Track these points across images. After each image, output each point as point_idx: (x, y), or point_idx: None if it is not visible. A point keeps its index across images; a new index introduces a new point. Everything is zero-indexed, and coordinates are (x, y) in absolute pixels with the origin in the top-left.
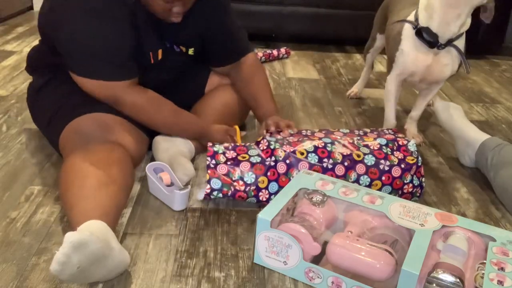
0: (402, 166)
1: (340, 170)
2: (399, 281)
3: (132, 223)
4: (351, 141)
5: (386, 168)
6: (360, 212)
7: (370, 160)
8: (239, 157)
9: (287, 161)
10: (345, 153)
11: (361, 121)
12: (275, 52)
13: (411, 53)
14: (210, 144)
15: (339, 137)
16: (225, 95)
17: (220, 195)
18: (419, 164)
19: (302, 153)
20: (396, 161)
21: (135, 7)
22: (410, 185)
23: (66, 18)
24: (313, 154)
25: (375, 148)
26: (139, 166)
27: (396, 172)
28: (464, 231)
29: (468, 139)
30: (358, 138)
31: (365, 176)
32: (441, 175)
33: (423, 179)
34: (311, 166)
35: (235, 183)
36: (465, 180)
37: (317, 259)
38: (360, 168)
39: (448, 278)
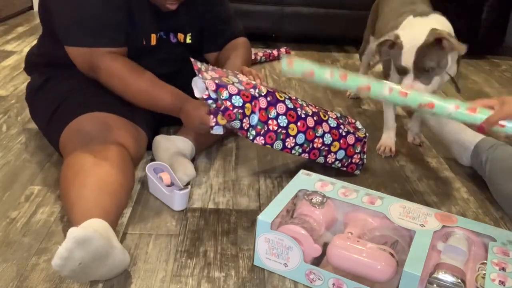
0: (356, 136)
1: (310, 122)
2: (401, 282)
3: (132, 223)
4: (315, 107)
5: (343, 133)
6: (360, 213)
7: (332, 122)
8: (224, 80)
9: (268, 98)
10: (314, 110)
11: (361, 121)
12: (275, 52)
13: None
14: (193, 60)
15: (304, 103)
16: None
17: (214, 105)
18: (365, 140)
19: (281, 96)
20: (351, 130)
21: None
22: (359, 156)
23: None
24: (289, 101)
25: (333, 116)
26: (139, 166)
27: (350, 139)
28: (464, 231)
29: (462, 142)
30: (319, 108)
31: (328, 135)
32: (441, 175)
33: (365, 156)
34: (288, 110)
35: (269, 122)
36: (465, 180)
37: (317, 261)
38: (325, 126)
39: (449, 278)
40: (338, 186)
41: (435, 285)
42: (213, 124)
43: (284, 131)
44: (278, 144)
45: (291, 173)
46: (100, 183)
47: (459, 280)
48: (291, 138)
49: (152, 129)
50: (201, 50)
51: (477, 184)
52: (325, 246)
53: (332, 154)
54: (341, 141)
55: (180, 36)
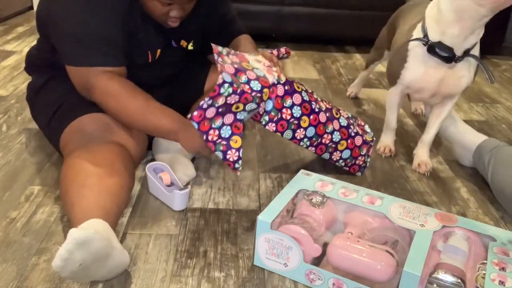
0: (364, 139)
1: (323, 117)
2: (401, 282)
3: (132, 223)
4: (329, 104)
5: (352, 134)
6: (360, 213)
7: (343, 121)
8: (243, 65)
9: (286, 87)
10: (328, 107)
11: (361, 120)
12: (275, 52)
13: (418, 70)
14: (214, 45)
15: (319, 98)
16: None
17: (230, 89)
18: (372, 144)
19: (298, 87)
20: (360, 131)
21: (131, 6)
22: (363, 158)
23: (56, 7)
24: (305, 93)
25: (345, 116)
26: (139, 166)
27: (358, 141)
28: (464, 231)
29: (464, 142)
30: (332, 105)
31: (338, 133)
32: (441, 175)
33: (369, 159)
34: (303, 102)
35: (283, 110)
36: (465, 180)
37: (317, 261)
38: (336, 124)
39: (449, 278)
40: (338, 186)
41: (435, 285)
42: (221, 81)
43: (296, 122)
44: (288, 134)
45: (291, 173)
46: (101, 183)
47: (459, 280)
48: (302, 129)
49: None
50: (203, 53)
51: (477, 184)
52: (325, 246)
53: (338, 152)
54: (349, 141)
55: (183, 43)
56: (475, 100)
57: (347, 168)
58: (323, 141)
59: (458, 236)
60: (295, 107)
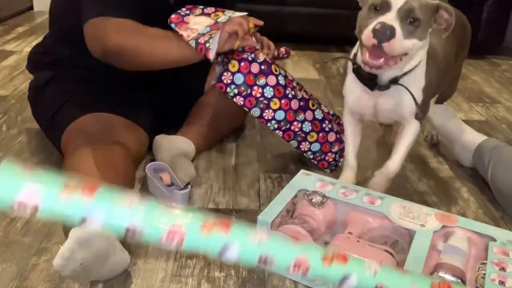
0: (338, 136)
1: (295, 104)
2: None
3: None
4: (308, 96)
5: (326, 129)
6: (360, 213)
7: (319, 114)
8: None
9: (262, 66)
10: (305, 96)
11: None
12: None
13: (354, 90)
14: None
15: (298, 87)
16: (224, 96)
17: (236, 91)
18: None
19: (276, 70)
20: (336, 129)
21: None
22: (333, 156)
23: None
24: (282, 78)
25: (325, 110)
26: (139, 166)
27: (331, 137)
28: (464, 231)
29: (464, 142)
30: (313, 98)
31: (309, 124)
32: (441, 175)
33: (342, 160)
34: (277, 85)
35: (255, 87)
36: (465, 180)
37: None
38: (309, 115)
39: (449, 278)
40: (338, 186)
41: None
42: (229, 81)
43: (266, 102)
44: (256, 111)
45: (291, 173)
46: (101, 183)
47: (459, 280)
48: (271, 111)
49: (154, 130)
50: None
51: (477, 184)
52: (325, 246)
53: (307, 143)
54: (320, 135)
55: None
56: (475, 100)
57: (316, 162)
58: (292, 128)
59: (458, 236)
60: (267, 87)
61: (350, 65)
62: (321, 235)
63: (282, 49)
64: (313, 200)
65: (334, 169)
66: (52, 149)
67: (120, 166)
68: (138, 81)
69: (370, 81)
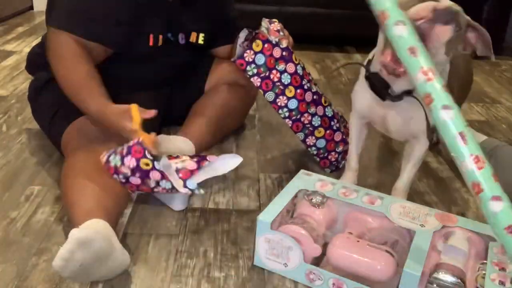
0: (344, 137)
1: (309, 96)
2: (401, 282)
3: (132, 223)
4: (320, 93)
5: (334, 127)
6: (360, 213)
7: (329, 112)
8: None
9: (284, 53)
10: (319, 92)
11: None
12: None
13: (364, 98)
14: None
15: (314, 81)
16: (225, 94)
17: (255, 70)
18: None
19: (296, 59)
20: (342, 130)
21: None
22: (336, 156)
23: None
24: (301, 68)
25: (335, 111)
26: None
27: (337, 136)
28: (464, 231)
29: None
30: (325, 96)
31: (318, 118)
32: (441, 175)
33: (343, 162)
34: (295, 74)
35: (274, 71)
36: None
37: (317, 261)
38: (320, 110)
39: (449, 278)
40: (338, 186)
41: (435, 285)
42: (251, 59)
43: (282, 87)
44: (270, 95)
45: (291, 173)
46: (101, 183)
47: (459, 280)
48: (285, 98)
49: (154, 129)
50: (208, 49)
51: None
52: (325, 246)
53: (314, 138)
54: (328, 132)
55: (193, 35)
56: (475, 100)
57: (318, 159)
58: (302, 119)
59: (458, 236)
60: (286, 74)
61: (362, 72)
62: (321, 235)
63: None
64: (313, 200)
65: (335, 170)
66: (52, 149)
67: None
68: (137, 81)
69: (382, 90)
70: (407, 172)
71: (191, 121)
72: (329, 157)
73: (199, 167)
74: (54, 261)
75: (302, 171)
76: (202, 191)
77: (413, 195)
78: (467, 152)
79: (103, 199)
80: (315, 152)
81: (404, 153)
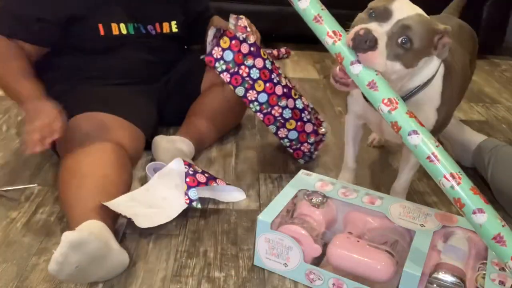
0: (315, 128)
1: (279, 90)
2: (401, 282)
3: (132, 223)
4: (292, 85)
5: (305, 119)
6: (360, 213)
7: (299, 104)
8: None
9: (252, 48)
10: (289, 85)
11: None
12: (275, 52)
13: (358, 102)
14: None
15: (283, 75)
16: (221, 94)
17: (224, 66)
18: (323, 139)
19: (264, 55)
20: (313, 121)
21: None
22: (309, 147)
23: None
24: (269, 63)
25: (305, 102)
26: (139, 166)
27: (308, 127)
28: (465, 231)
29: (464, 143)
30: (296, 88)
31: (290, 111)
32: None
33: (316, 153)
34: (264, 68)
35: (242, 67)
36: None
37: (317, 261)
38: (290, 103)
39: (449, 278)
40: (338, 186)
41: (435, 285)
42: (219, 56)
43: (251, 82)
44: (240, 90)
45: (291, 173)
46: (97, 183)
47: (459, 280)
48: (255, 92)
49: (150, 128)
50: (188, 41)
51: (477, 184)
52: (325, 246)
53: (285, 130)
54: (299, 123)
55: (166, 26)
56: (475, 100)
57: (291, 151)
58: (273, 112)
59: (458, 236)
60: (254, 69)
61: None
62: (321, 235)
63: (282, 49)
64: (313, 200)
65: (308, 160)
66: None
67: (116, 165)
68: (132, 81)
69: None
70: (405, 173)
71: (190, 121)
72: (302, 148)
73: (206, 184)
74: (49, 265)
75: (302, 171)
76: (199, 205)
77: (413, 195)
78: (442, 171)
79: (99, 200)
80: (288, 144)
81: (402, 154)
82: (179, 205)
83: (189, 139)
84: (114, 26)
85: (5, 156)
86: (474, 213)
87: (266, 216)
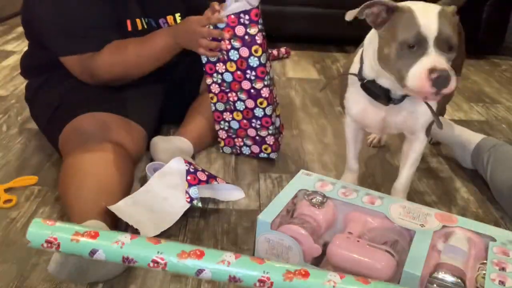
0: (257, 138)
1: (246, 85)
2: (401, 282)
3: None
4: (271, 95)
5: (255, 126)
6: (360, 213)
7: (260, 113)
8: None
9: (246, 37)
10: (263, 95)
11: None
12: (275, 52)
13: (359, 104)
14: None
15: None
16: None
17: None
18: (264, 156)
19: (256, 52)
20: (265, 135)
21: None
22: (241, 143)
23: (32, 2)
24: (256, 63)
25: (268, 113)
26: (139, 166)
27: (251, 132)
28: (464, 231)
29: (462, 143)
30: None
31: (243, 106)
32: (441, 175)
33: (273, 155)
34: (244, 59)
35: (227, 41)
36: (465, 180)
37: (317, 261)
38: (249, 103)
39: (449, 278)
40: (338, 186)
41: (435, 285)
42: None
43: (226, 58)
44: (212, 58)
45: (291, 173)
46: (98, 183)
47: (459, 280)
48: (224, 67)
49: (152, 128)
50: None
51: (477, 184)
52: (325, 246)
53: (230, 115)
54: (245, 121)
55: (170, 19)
56: (475, 100)
57: (224, 136)
58: (229, 95)
59: (458, 236)
60: (235, 51)
61: (352, 78)
62: (321, 235)
63: (282, 49)
64: (313, 200)
65: (230, 153)
66: (52, 149)
67: (118, 165)
68: (135, 82)
69: (383, 96)
70: (406, 171)
71: (189, 121)
72: (235, 140)
73: (207, 182)
74: (49, 265)
75: (302, 171)
76: (200, 204)
77: (413, 195)
78: None
79: (99, 200)
80: (226, 128)
81: (402, 152)
82: (181, 207)
83: (187, 139)
84: (138, 21)
85: (5, 156)
86: None
87: (266, 216)
